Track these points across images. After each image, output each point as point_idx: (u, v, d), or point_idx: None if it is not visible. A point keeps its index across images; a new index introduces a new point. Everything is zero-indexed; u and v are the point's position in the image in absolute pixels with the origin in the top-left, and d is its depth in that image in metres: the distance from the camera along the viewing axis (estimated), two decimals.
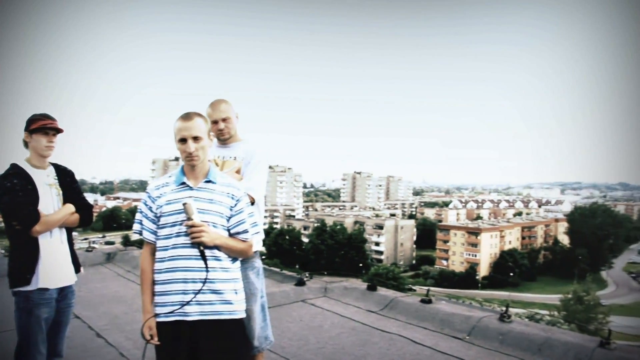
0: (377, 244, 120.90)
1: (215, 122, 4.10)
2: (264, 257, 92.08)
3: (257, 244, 3.73)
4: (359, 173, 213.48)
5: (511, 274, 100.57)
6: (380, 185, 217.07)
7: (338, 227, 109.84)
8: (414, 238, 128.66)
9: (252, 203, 3.72)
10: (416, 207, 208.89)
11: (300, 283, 8.81)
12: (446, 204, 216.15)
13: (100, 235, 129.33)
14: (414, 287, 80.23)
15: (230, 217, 3.04)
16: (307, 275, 9.39)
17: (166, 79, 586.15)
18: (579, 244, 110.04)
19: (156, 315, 2.91)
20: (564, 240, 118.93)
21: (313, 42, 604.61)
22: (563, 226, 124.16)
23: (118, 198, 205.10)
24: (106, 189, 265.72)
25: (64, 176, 3.93)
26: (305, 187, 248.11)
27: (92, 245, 13.26)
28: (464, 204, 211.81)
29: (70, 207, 3.83)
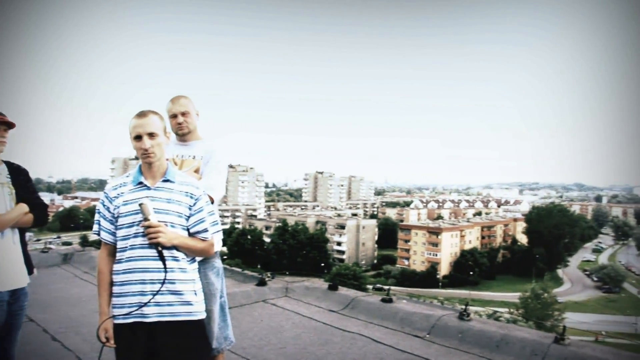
0: (339, 243, 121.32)
1: (174, 116, 4.06)
2: (225, 257, 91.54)
3: (217, 244, 3.69)
4: (321, 173, 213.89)
5: (471, 273, 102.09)
6: (342, 185, 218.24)
7: (300, 226, 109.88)
8: (376, 238, 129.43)
9: (212, 202, 3.68)
10: (378, 207, 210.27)
11: (262, 283, 8.78)
12: (407, 204, 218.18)
13: (55, 236, 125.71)
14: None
15: (189, 217, 3.00)
16: (268, 275, 9.37)
17: (166, 79, 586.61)
18: (537, 243, 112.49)
19: (113, 316, 2.86)
20: (522, 239, 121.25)
21: (313, 42, 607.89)
22: (521, 226, 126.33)
23: (76, 197, 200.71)
24: (63, 188, 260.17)
25: (17, 174, 3.79)
26: (267, 186, 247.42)
27: (48, 246, 12.93)
28: (425, 204, 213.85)
29: (24, 207, 3.71)
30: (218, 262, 4.04)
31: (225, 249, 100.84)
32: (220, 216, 4.19)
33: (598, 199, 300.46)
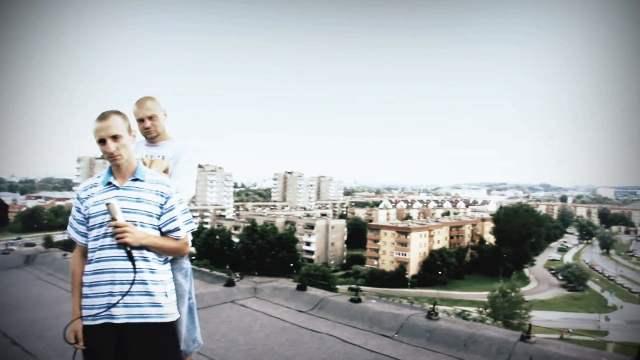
0: (308, 243, 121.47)
1: (141, 121, 4.00)
2: (193, 257, 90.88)
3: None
4: (290, 173, 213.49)
5: (440, 273, 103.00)
6: (311, 185, 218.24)
7: (269, 227, 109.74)
8: (345, 238, 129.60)
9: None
10: (347, 207, 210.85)
11: (230, 284, 8.76)
12: (376, 204, 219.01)
13: (15, 237, 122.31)
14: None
15: (160, 216, 2.98)
16: (237, 275, 9.34)
17: (166, 79, 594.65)
18: (504, 242, 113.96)
19: (82, 317, 2.84)
20: (490, 239, 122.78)
21: (312, 42, 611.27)
22: (489, 225, 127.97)
23: (40, 197, 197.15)
24: (27, 187, 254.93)
25: None
26: (236, 186, 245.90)
27: (9, 247, 12.69)
28: (394, 204, 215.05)
29: None
30: (186, 263, 4.01)
31: (193, 249, 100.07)
32: None
33: (563, 199, 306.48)
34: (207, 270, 10.97)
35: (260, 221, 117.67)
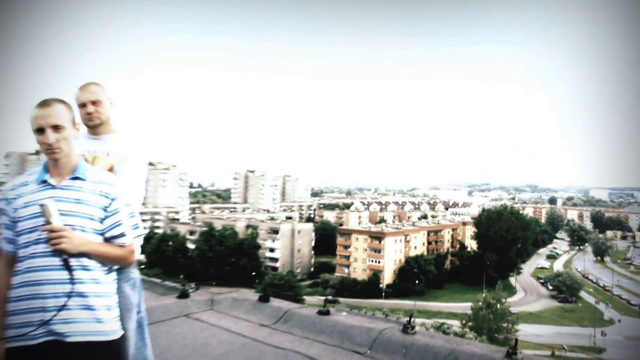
0: (271, 250, 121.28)
1: (83, 105, 3.89)
2: (142, 266, 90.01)
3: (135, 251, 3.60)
4: (252, 172, 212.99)
5: (417, 282, 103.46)
6: (275, 186, 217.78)
7: (228, 231, 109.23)
8: (313, 243, 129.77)
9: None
10: (315, 210, 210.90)
11: (184, 295, 8.68)
12: (347, 206, 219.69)
13: None
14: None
15: (104, 219, 2.89)
16: (192, 286, 9.26)
17: (166, 78, 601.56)
18: (487, 248, 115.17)
19: (6, 339, 2.67)
20: (472, 245, 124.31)
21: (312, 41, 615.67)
22: (471, 230, 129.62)
23: None
24: None
25: None
26: (191, 186, 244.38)
27: None
28: (366, 206, 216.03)
29: None
30: (134, 273, 3.89)
31: (142, 257, 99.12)
32: None
33: (552, 201, 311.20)
34: (159, 281, 10.85)
35: (218, 225, 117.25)
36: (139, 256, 3.84)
